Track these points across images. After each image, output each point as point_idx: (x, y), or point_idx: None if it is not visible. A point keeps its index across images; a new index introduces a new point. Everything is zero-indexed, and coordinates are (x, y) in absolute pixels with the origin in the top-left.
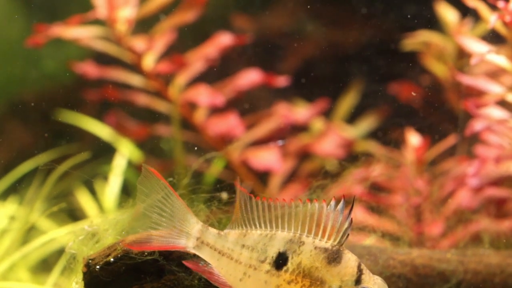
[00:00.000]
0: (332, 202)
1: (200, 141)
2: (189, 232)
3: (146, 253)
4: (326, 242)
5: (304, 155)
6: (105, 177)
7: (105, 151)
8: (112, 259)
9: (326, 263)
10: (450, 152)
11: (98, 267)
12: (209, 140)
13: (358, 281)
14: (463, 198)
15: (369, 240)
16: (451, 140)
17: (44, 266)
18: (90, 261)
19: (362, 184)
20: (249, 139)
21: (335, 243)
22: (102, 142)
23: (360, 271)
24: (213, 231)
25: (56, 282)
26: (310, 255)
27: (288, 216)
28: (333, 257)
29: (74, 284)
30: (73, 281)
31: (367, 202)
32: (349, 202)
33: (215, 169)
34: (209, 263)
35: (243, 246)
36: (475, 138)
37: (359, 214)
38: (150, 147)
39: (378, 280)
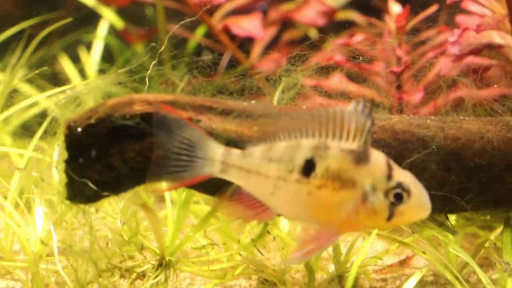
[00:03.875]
0: (353, 104)
1: (183, 8)
2: (213, 158)
3: (127, 116)
4: (351, 143)
5: (286, 23)
6: (87, 44)
7: (88, 19)
8: (93, 122)
9: (355, 164)
10: (431, 21)
11: (80, 129)
12: (192, 6)
13: (389, 176)
14: (443, 66)
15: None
16: (432, 9)
17: (26, 130)
18: (72, 123)
19: (343, 52)
20: (230, 6)
21: (361, 143)
22: (85, 9)
23: (389, 167)
24: (236, 151)
25: (38, 145)
26: (337, 158)
27: (311, 123)
28: (361, 157)
29: (56, 147)
30: (55, 144)
31: (348, 70)
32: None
33: (196, 37)
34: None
35: (270, 160)
36: (456, 7)
37: (341, 82)
38: (133, 14)
39: (408, 173)
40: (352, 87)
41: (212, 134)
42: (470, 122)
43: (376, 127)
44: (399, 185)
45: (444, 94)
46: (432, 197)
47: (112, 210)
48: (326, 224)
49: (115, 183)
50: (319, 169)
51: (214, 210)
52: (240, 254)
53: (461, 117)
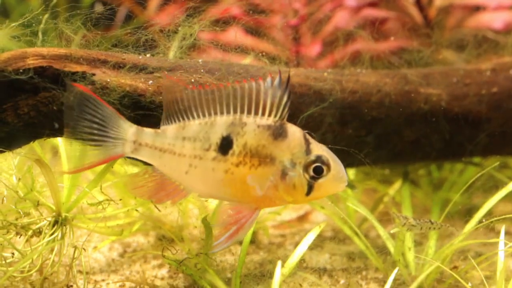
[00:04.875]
0: (269, 79)
1: None
2: (124, 138)
3: (21, 70)
4: (267, 119)
5: None
6: None
7: None
8: None
9: (273, 139)
10: None
11: None
12: None
13: (308, 151)
14: (340, 18)
15: (247, 60)
16: None
17: None
18: None
19: (240, 5)
20: None
21: (277, 118)
22: None
23: (307, 141)
24: (148, 130)
25: None
26: (255, 134)
27: (226, 99)
28: (279, 132)
29: None
30: None
31: (246, 23)
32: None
33: None
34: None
35: (184, 138)
36: None
37: (238, 35)
38: None
39: (324, 147)
40: (248, 41)
41: (107, 87)
42: (368, 75)
43: None
44: (319, 158)
45: (342, 47)
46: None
47: (7, 166)
48: (244, 201)
49: (9, 138)
50: (236, 146)
51: (110, 165)
52: (137, 210)
53: (359, 70)
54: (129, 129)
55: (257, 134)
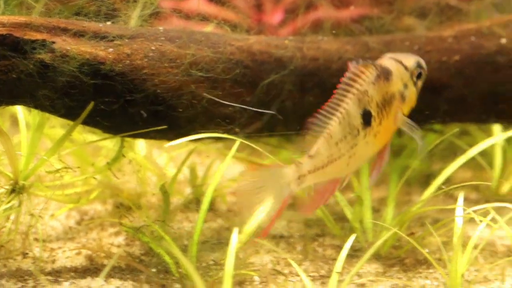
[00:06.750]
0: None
1: None
2: (289, 179)
3: None
4: (370, 73)
5: None
6: None
7: None
8: None
9: (387, 82)
10: None
11: None
12: None
13: (405, 67)
14: None
15: (209, 28)
16: None
17: None
18: None
19: None
20: None
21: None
22: None
23: (399, 60)
24: (305, 160)
25: None
26: (376, 90)
27: (339, 95)
28: (386, 74)
29: None
30: None
31: None
32: None
33: None
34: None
35: (336, 143)
36: None
37: (200, 3)
38: None
39: (405, 54)
40: (210, 9)
41: (67, 55)
42: (329, 42)
43: (234, 48)
44: (419, 65)
45: (303, 15)
46: (289, 118)
47: None
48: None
49: None
50: (373, 111)
51: (68, 133)
52: (95, 178)
53: (320, 38)
54: (290, 171)
55: (377, 89)
